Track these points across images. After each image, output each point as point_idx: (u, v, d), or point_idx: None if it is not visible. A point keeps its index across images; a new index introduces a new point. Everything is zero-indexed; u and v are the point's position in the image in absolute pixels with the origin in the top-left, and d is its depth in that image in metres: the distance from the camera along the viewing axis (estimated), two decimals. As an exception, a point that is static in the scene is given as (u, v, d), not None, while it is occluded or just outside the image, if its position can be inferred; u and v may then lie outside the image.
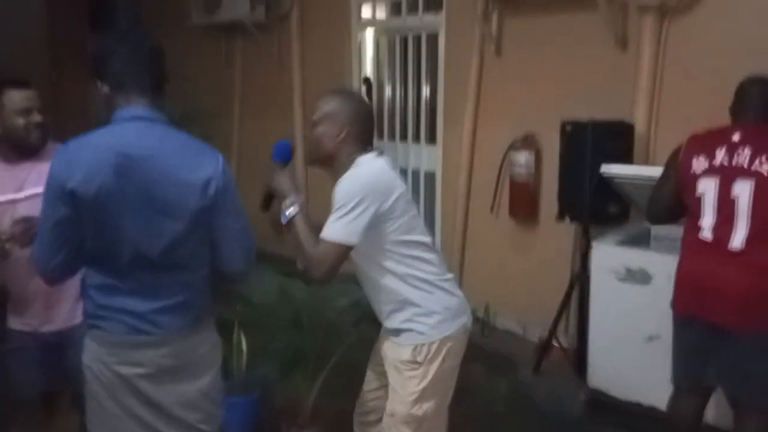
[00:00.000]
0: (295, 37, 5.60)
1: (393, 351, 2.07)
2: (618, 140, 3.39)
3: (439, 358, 2.02)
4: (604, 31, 3.63)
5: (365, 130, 2.04)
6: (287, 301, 3.05)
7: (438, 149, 4.72)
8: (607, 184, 3.34)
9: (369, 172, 1.96)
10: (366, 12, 5.29)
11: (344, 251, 1.91)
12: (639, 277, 3.05)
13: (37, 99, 2.12)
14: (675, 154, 2.52)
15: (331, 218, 1.90)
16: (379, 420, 2.16)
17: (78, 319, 2.15)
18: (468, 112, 4.35)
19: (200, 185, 1.68)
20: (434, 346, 2.01)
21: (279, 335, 2.97)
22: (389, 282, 2.00)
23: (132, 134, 1.67)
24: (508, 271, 4.28)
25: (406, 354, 2.02)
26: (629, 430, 3.12)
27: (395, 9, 5.02)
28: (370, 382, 2.26)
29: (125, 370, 1.73)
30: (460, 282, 4.60)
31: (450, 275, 2.14)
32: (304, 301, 2.96)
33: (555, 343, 3.74)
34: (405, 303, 2.01)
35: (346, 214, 1.88)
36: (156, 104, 1.73)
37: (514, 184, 4.04)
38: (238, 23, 5.71)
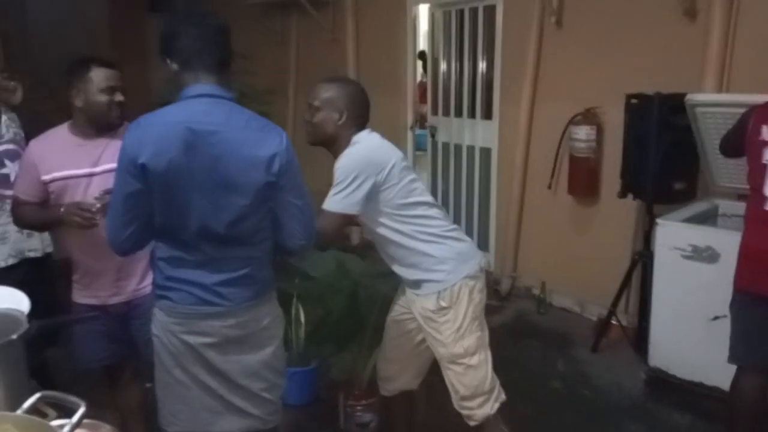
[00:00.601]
0: (349, 13, 5.58)
1: (419, 304, 2.26)
2: (685, 114, 3.26)
3: (465, 297, 2.21)
4: (672, 1, 3.49)
5: (362, 113, 2.22)
6: (344, 275, 3.08)
7: (494, 124, 4.65)
8: (673, 160, 3.23)
9: (364, 149, 2.15)
10: (421, -14, 5.24)
11: (343, 220, 2.14)
12: (706, 255, 2.95)
13: (120, 80, 2.18)
14: (749, 112, 2.44)
15: (332, 192, 2.11)
16: (396, 375, 2.44)
17: (147, 290, 2.19)
18: (526, 86, 4.26)
19: (264, 161, 1.71)
20: (456, 288, 2.20)
21: (336, 309, 3.01)
22: (401, 241, 2.20)
23: (200, 111, 1.70)
24: (566, 249, 4.21)
25: (431, 303, 2.21)
26: (690, 409, 3.06)
27: (451, -18, 4.94)
28: (391, 332, 2.46)
29: (192, 339, 1.78)
30: (516, 259, 4.56)
31: (454, 225, 2.33)
32: (361, 276, 2.98)
33: (614, 322, 3.67)
34: (420, 256, 2.20)
35: (344, 188, 2.08)
36: (222, 82, 1.76)
37: (573, 160, 3.95)
38: (293, 1, 5.73)
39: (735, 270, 2.43)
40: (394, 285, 3.18)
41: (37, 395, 1.11)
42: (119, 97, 2.17)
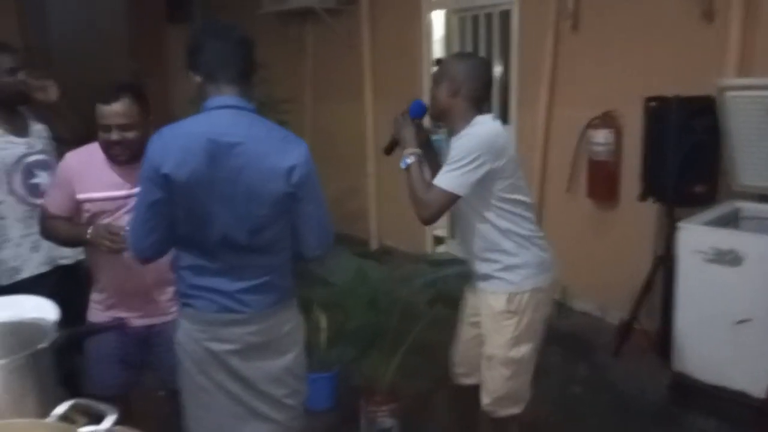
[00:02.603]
0: (365, 21, 5.61)
1: (488, 301, 2.26)
2: (705, 116, 3.23)
3: (531, 307, 2.22)
4: (689, 2, 3.46)
5: (479, 89, 2.19)
6: (364, 281, 3.10)
7: (511, 129, 4.64)
8: (694, 163, 3.20)
9: (487, 132, 2.14)
10: (436, -8, 5.25)
11: (451, 199, 2.11)
12: (729, 258, 2.92)
13: (125, 116, 2.06)
14: None
15: (447, 168, 2.10)
16: (469, 373, 2.42)
17: (172, 314, 2.11)
18: (543, 90, 4.25)
19: (285, 172, 1.73)
20: (526, 296, 2.21)
21: (356, 315, 3.02)
22: (489, 233, 2.20)
23: (222, 122, 1.72)
24: (586, 253, 4.18)
25: (500, 304, 2.22)
26: (715, 415, 3.02)
27: (466, -12, 4.94)
28: (464, 334, 2.44)
29: (215, 346, 1.80)
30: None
31: (542, 233, 2.30)
32: (381, 282, 2.99)
33: (636, 326, 3.64)
34: (503, 254, 2.20)
35: (461, 167, 2.07)
36: (244, 93, 1.79)
37: (592, 164, 3.93)
38: (309, 9, 5.77)
39: None
40: (413, 290, 3.20)
41: (69, 402, 1.13)
42: (115, 135, 2.05)
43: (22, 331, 1.42)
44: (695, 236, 3.06)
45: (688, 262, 3.08)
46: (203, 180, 1.69)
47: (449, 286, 3.42)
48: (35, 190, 2.46)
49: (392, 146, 2.35)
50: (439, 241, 5.59)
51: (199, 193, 1.70)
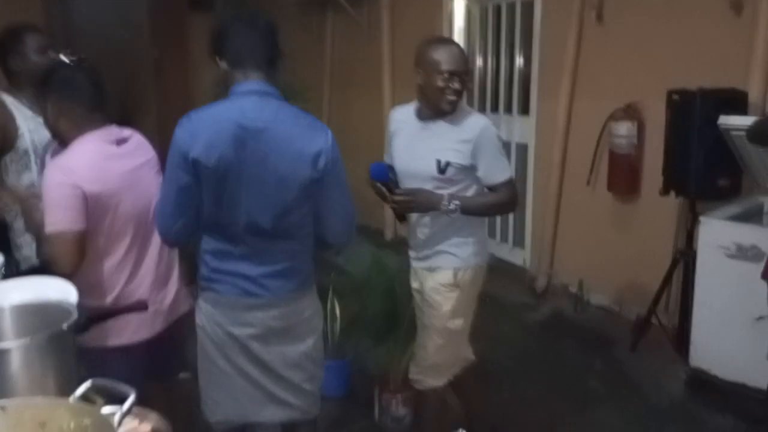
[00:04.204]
0: (385, 9, 5.58)
1: (435, 277, 2.35)
2: (729, 109, 3.17)
3: (471, 283, 2.37)
4: (716, -7, 3.40)
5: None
6: (380, 271, 3.10)
7: (531, 120, 4.61)
8: (717, 156, 3.15)
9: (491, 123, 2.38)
10: (458, -19, 5.21)
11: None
12: (751, 254, 2.88)
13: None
14: None
15: (499, 162, 2.29)
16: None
17: (186, 306, 2.11)
18: (565, 82, 4.20)
19: (311, 158, 1.74)
20: (469, 272, 2.35)
21: (372, 304, 3.03)
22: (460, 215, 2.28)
23: (249, 107, 1.73)
24: (605, 246, 4.15)
25: (447, 278, 2.33)
26: (732, 411, 2.99)
27: (488, -23, 4.90)
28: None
29: (237, 330, 1.82)
30: (552, 256, 4.50)
31: None
32: (397, 271, 2.99)
33: (654, 321, 3.61)
34: (459, 231, 2.32)
35: (504, 155, 2.33)
36: (270, 79, 1.80)
37: (613, 156, 3.88)
38: (330, -3, 5.75)
39: None
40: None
41: (88, 383, 1.14)
42: None
43: (44, 311, 1.43)
44: (717, 231, 3.03)
45: (708, 257, 3.04)
46: (231, 164, 1.70)
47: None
48: None
49: (400, 218, 2.47)
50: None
51: (226, 179, 1.71)
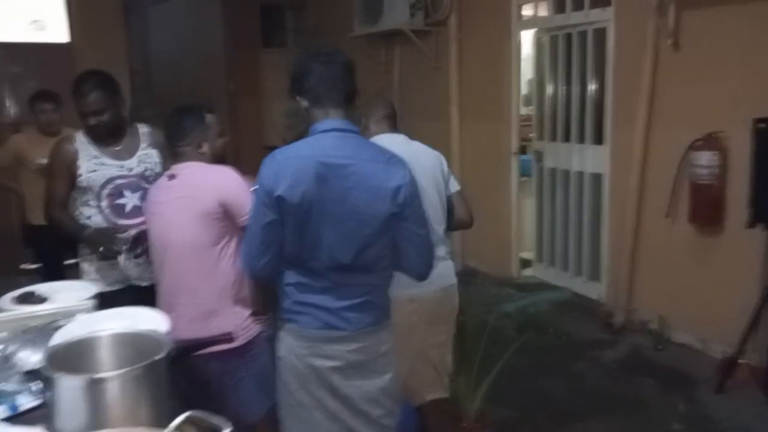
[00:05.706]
0: (453, 40, 5.61)
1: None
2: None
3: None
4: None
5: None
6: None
7: (605, 149, 4.50)
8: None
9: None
10: (527, 11, 5.18)
11: None
12: None
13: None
14: None
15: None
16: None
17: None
18: (641, 111, 4.10)
19: (390, 193, 1.76)
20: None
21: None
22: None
23: (330, 145, 1.77)
24: (687, 281, 3.97)
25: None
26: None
27: (559, 6, 4.86)
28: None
29: (318, 362, 1.83)
30: (630, 291, 4.34)
31: None
32: (468, 307, 2.95)
33: (742, 361, 3.41)
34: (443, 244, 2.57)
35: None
36: (348, 116, 1.84)
37: (695, 187, 3.74)
38: (398, 31, 5.83)
39: None
40: (501, 316, 3.13)
41: (185, 414, 1.16)
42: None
43: (137, 341, 1.48)
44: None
45: (803, 294, 2.86)
46: (314, 202, 1.73)
47: (540, 310, 3.33)
48: (120, 211, 2.55)
49: None
50: (525, 263, 5.47)
51: (309, 215, 1.74)
